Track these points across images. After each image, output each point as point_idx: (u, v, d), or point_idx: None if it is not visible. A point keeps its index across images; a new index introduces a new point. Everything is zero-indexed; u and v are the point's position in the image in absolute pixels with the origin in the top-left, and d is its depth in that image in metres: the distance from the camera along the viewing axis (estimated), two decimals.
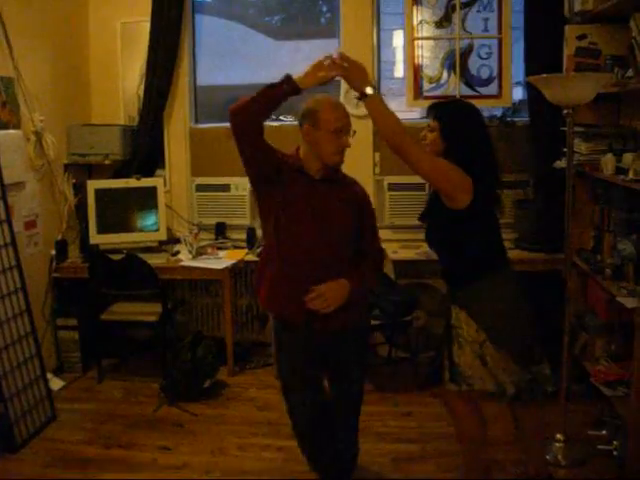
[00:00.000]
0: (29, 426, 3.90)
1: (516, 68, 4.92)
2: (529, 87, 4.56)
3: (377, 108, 2.74)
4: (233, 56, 5.50)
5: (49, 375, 4.36)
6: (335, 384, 3.10)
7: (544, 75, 3.48)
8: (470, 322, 2.80)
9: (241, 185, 5.22)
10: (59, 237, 4.89)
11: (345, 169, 5.12)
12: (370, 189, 5.09)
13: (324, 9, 5.49)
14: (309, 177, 2.90)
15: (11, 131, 4.32)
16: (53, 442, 3.89)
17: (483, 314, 2.79)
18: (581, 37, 4.09)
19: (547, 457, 3.54)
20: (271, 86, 2.81)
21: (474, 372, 2.80)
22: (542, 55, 4.52)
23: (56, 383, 4.56)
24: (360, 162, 5.12)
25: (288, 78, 2.78)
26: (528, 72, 4.57)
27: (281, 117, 5.45)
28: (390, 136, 2.71)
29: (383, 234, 4.93)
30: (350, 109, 4.96)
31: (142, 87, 5.20)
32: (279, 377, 3.12)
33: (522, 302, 2.88)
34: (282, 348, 3.03)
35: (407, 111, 5.16)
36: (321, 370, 3.04)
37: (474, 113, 2.85)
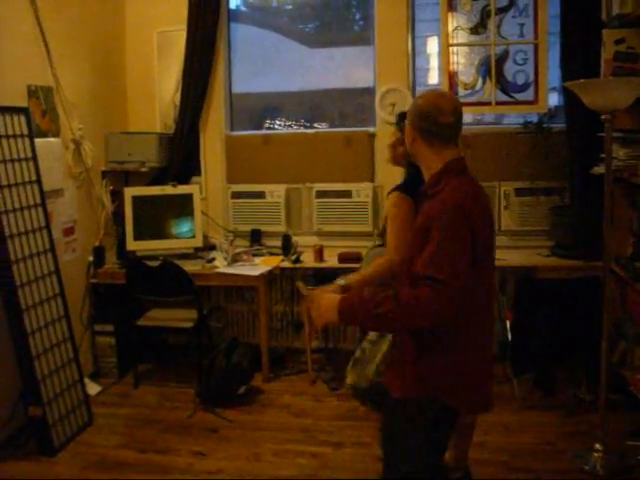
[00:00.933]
0: (66, 430, 3.95)
1: (551, 73, 4.87)
2: (565, 92, 4.51)
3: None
4: (267, 64, 5.53)
5: (86, 380, 4.42)
6: None
7: (582, 80, 3.45)
8: None
9: (276, 192, 5.25)
10: (97, 243, 4.96)
11: (380, 176, 5.16)
12: None
13: (357, 17, 5.51)
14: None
15: (51, 139, 4.39)
16: (89, 446, 3.93)
17: None
18: (619, 41, 4.04)
19: (586, 467, 3.49)
20: None
21: None
22: (579, 60, 4.47)
23: (93, 388, 4.61)
24: (395, 169, 5.12)
25: None
26: (564, 77, 4.53)
27: (315, 124, 5.48)
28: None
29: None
30: (385, 116, 5.05)
31: (178, 95, 5.26)
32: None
33: None
34: None
35: None
36: None
37: None
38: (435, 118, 2.34)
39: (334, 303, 2.27)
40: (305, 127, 5.50)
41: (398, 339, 2.45)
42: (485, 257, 2.28)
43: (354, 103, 5.49)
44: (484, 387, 2.43)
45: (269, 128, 5.55)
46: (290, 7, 5.56)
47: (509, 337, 4.45)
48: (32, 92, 4.19)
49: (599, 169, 4.12)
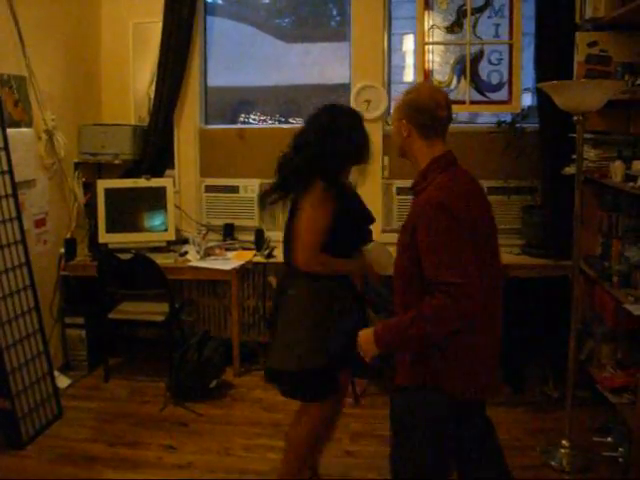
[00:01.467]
0: (35, 423, 3.92)
1: (525, 74, 4.92)
2: (539, 93, 4.56)
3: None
4: (243, 58, 5.52)
5: (56, 373, 4.38)
6: None
7: (555, 82, 3.50)
8: None
9: (250, 187, 5.24)
10: (68, 235, 4.92)
11: (354, 172, 5.18)
12: (378, 192, 5.11)
13: (334, 12, 5.51)
14: None
15: (23, 129, 4.34)
16: (59, 439, 3.91)
17: None
18: (592, 44, 4.10)
19: (553, 463, 3.55)
20: None
21: None
22: (552, 61, 4.51)
23: (63, 381, 4.57)
24: (369, 166, 5.13)
25: None
26: (538, 78, 4.57)
27: (290, 120, 5.47)
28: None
29: (391, 238, 5.00)
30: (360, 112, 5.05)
31: (153, 87, 5.22)
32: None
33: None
34: None
35: None
36: None
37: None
38: (433, 112, 2.39)
39: (370, 339, 2.35)
40: (280, 122, 5.50)
41: None
42: (482, 248, 2.29)
43: (329, 99, 5.49)
44: (492, 371, 2.43)
45: (244, 122, 5.54)
46: (267, 1, 5.55)
47: None
48: (4, 81, 4.13)
49: (570, 169, 4.18)
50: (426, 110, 2.39)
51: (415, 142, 2.43)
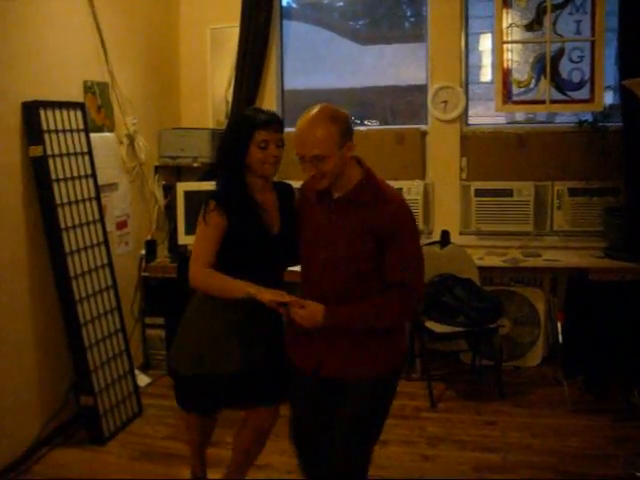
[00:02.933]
0: (116, 420, 4.02)
1: (607, 71, 4.78)
2: (622, 91, 4.42)
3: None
4: (319, 60, 5.54)
5: (136, 371, 4.48)
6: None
7: None
8: None
9: None
10: (149, 237, 5.02)
11: (431, 174, 5.17)
12: (456, 194, 5.05)
13: (408, 13, 5.48)
14: (329, 198, 2.53)
15: (106, 134, 4.46)
16: (139, 436, 3.99)
17: None
18: None
19: (637, 474, 3.42)
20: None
21: None
22: (636, 57, 4.37)
23: (143, 379, 4.67)
24: (447, 167, 5.09)
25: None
26: (621, 75, 4.44)
27: (366, 122, 5.47)
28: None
29: (469, 240, 4.95)
30: (437, 114, 5.02)
31: (230, 91, 5.28)
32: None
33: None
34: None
35: (492, 115, 5.10)
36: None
37: None
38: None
39: (320, 313, 2.40)
40: (356, 124, 5.49)
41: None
42: None
43: (405, 100, 5.47)
44: None
45: None
46: (341, 4, 5.56)
47: (560, 338, 4.38)
48: (88, 88, 4.26)
49: None
50: (351, 124, 2.46)
51: (350, 161, 2.48)
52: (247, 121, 2.63)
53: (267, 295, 2.46)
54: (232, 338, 2.75)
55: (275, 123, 2.64)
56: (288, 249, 2.69)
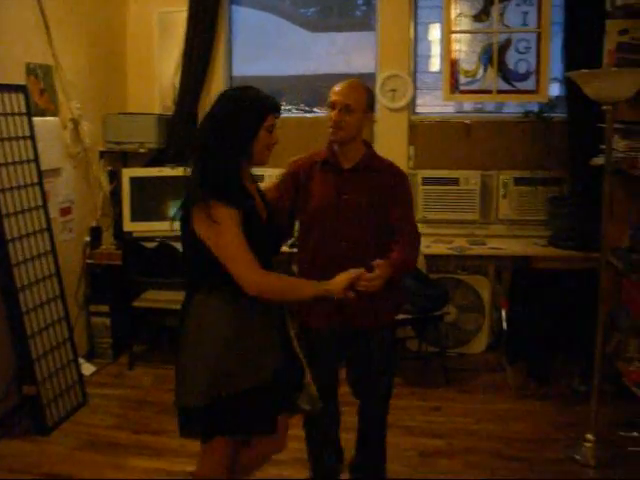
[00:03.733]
0: (60, 409, 3.96)
1: (554, 63, 4.86)
2: (567, 83, 4.50)
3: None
4: (268, 47, 5.50)
5: (81, 360, 4.41)
6: (362, 384, 3.11)
7: (584, 70, 3.44)
8: None
9: (273, 176, 5.22)
10: (93, 224, 4.94)
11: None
12: None
13: (360, 1, 5.47)
14: (337, 168, 2.90)
15: (49, 118, 4.37)
16: (83, 426, 3.94)
17: None
18: (623, 32, 4.03)
19: (577, 457, 3.51)
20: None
21: None
22: (581, 50, 4.45)
23: (87, 368, 4.60)
24: (394, 155, 5.10)
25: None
26: (567, 67, 4.51)
27: (315, 109, 5.46)
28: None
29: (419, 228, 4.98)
30: (386, 102, 5.03)
31: (178, 77, 5.22)
32: None
33: None
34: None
35: (440, 105, 5.14)
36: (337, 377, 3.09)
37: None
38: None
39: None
40: (305, 111, 5.48)
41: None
42: None
43: None
44: None
45: None
46: None
47: (504, 325, 4.46)
48: (31, 70, 4.15)
49: (598, 160, 4.11)
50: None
51: (360, 134, 2.90)
52: (259, 104, 2.39)
53: (339, 287, 2.43)
54: (266, 340, 2.47)
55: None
56: (278, 234, 2.69)
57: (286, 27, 5.54)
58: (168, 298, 4.70)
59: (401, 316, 4.32)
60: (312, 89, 5.53)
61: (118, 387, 4.49)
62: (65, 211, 4.58)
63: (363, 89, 2.85)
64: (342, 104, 2.77)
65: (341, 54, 5.39)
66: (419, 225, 3.08)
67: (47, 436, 3.79)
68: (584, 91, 3.43)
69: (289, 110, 5.49)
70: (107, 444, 3.73)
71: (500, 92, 4.95)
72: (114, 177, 5.05)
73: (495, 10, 4.87)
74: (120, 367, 4.78)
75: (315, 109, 5.47)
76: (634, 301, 3.93)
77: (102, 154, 5.03)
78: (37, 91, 4.22)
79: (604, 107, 3.42)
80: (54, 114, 4.44)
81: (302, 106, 5.51)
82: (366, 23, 5.32)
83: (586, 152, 4.40)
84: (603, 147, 3.63)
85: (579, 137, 4.54)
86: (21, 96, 3.90)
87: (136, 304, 4.71)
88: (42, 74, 4.26)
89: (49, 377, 3.89)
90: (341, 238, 2.83)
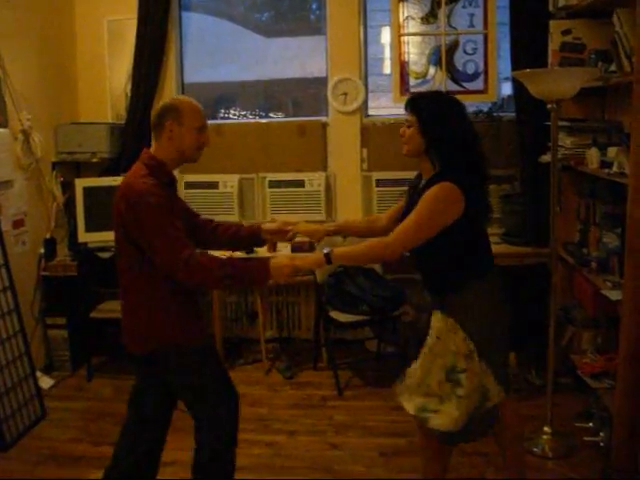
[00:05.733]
0: (18, 424, 3.90)
1: (504, 63, 4.94)
2: (515, 82, 4.57)
3: (348, 257, 2.81)
4: (222, 53, 5.50)
5: (38, 373, 4.37)
6: None
7: (527, 70, 3.52)
8: (458, 331, 2.65)
9: (229, 182, 5.23)
10: (48, 235, 4.89)
11: (333, 165, 5.23)
12: (358, 185, 5.13)
13: (314, 6, 5.50)
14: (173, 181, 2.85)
15: None
16: (43, 440, 3.89)
17: (474, 323, 2.65)
18: (566, 32, 4.11)
19: (535, 449, 3.57)
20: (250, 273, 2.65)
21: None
22: (528, 50, 4.53)
23: (46, 381, 4.55)
24: (348, 158, 5.15)
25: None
26: (514, 67, 4.58)
27: (271, 114, 5.47)
28: (380, 259, 3.22)
29: None
30: (338, 105, 5.07)
31: (130, 85, 5.19)
32: None
33: (506, 310, 2.80)
34: None
35: (395, 107, 5.18)
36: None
37: (455, 105, 2.71)
38: None
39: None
40: (260, 117, 5.49)
41: None
42: None
43: (309, 93, 5.49)
44: None
45: (224, 118, 5.53)
46: None
47: None
48: None
49: (547, 157, 4.19)
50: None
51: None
52: None
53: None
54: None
55: None
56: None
57: (239, 32, 5.54)
58: None
59: (358, 317, 4.38)
60: (267, 94, 5.54)
61: (78, 400, 4.44)
62: (18, 223, 4.52)
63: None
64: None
65: (296, 59, 5.41)
66: None
67: (5, 452, 3.73)
68: (529, 90, 3.50)
69: (244, 115, 5.50)
70: (68, 457, 3.69)
71: (450, 93, 5.01)
72: (67, 188, 5.01)
73: (442, 12, 4.94)
74: (79, 379, 4.74)
75: (270, 114, 5.47)
76: (586, 295, 4.01)
77: (54, 165, 4.99)
78: None
79: (549, 105, 3.50)
80: (4, 126, 4.39)
81: (257, 111, 5.51)
82: (320, 27, 5.34)
83: (535, 150, 4.49)
84: (550, 145, 3.70)
85: (528, 135, 4.61)
86: None
87: (93, 315, 4.66)
88: None
89: (6, 392, 3.84)
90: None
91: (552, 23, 4.18)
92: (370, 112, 5.27)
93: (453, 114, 2.68)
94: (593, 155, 3.73)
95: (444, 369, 2.67)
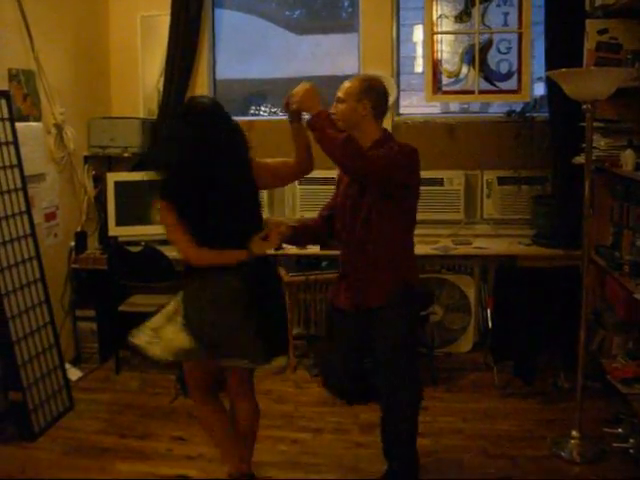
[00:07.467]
0: (47, 415, 3.94)
1: (538, 63, 4.89)
2: (549, 82, 4.53)
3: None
4: (254, 50, 5.51)
5: (67, 365, 4.40)
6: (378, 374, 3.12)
7: (563, 70, 3.47)
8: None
9: None
10: (78, 229, 4.94)
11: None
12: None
13: (345, 4, 5.48)
14: None
15: (32, 123, 4.36)
16: (70, 431, 3.92)
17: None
18: (602, 32, 4.06)
19: (563, 454, 3.52)
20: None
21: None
22: (563, 50, 4.47)
23: (74, 373, 4.60)
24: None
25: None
26: (548, 67, 4.53)
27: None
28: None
29: None
30: None
31: (162, 81, 5.22)
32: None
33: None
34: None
35: (427, 106, 5.15)
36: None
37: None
38: (387, 100, 3.01)
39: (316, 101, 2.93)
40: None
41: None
42: None
43: None
44: None
45: (255, 114, 5.53)
46: None
47: (490, 325, 4.47)
48: (13, 76, 4.15)
49: (580, 159, 4.15)
50: (385, 98, 2.97)
51: (369, 121, 2.93)
52: None
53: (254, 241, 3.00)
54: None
55: None
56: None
57: (271, 30, 5.55)
58: (154, 302, 4.66)
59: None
60: None
61: (105, 392, 4.48)
62: (50, 216, 4.57)
63: (357, 80, 2.99)
64: (335, 97, 2.99)
65: (327, 56, 5.40)
66: None
67: (33, 442, 3.77)
68: (564, 90, 3.45)
69: (275, 112, 5.50)
70: (94, 449, 3.72)
71: (482, 92, 4.98)
72: (99, 182, 5.05)
73: (476, 11, 4.90)
74: (107, 372, 4.77)
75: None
76: (618, 298, 3.96)
77: (86, 159, 5.03)
78: (20, 96, 4.22)
79: (584, 106, 3.45)
80: (37, 119, 4.43)
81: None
82: (351, 25, 5.32)
83: (568, 151, 4.44)
84: (584, 146, 3.66)
85: (561, 136, 4.56)
86: (3, 101, 3.89)
87: (122, 308, 4.69)
88: (25, 79, 4.26)
89: (35, 383, 3.88)
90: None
91: (588, 22, 4.13)
92: (402, 111, 5.24)
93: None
94: (628, 157, 3.68)
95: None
